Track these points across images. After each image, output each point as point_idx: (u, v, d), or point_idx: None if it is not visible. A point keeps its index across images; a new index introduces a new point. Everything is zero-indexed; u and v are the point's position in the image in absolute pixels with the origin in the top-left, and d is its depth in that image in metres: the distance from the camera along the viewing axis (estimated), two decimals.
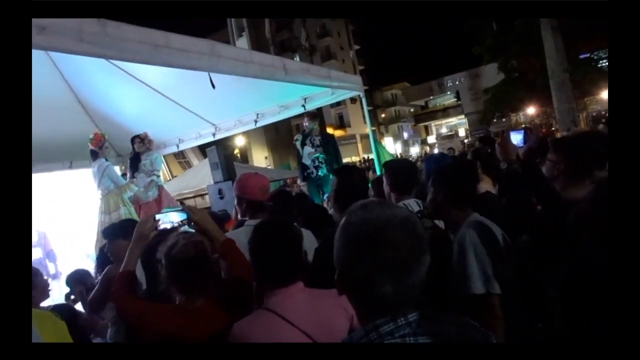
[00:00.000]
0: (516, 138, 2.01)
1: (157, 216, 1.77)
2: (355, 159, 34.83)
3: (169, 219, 1.76)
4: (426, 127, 56.50)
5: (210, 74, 3.71)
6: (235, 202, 2.51)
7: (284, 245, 1.53)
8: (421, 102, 57.37)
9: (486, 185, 3.00)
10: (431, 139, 51.99)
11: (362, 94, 5.57)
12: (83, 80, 5.31)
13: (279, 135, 21.54)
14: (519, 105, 24.88)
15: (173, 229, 1.76)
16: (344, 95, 5.71)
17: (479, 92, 39.06)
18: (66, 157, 6.41)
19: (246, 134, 22.80)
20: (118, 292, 1.69)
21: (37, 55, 4.63)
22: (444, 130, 55.13)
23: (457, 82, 52.06)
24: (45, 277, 2.88)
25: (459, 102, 51.45)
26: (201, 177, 10.96)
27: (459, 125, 52.61)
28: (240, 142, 23.82)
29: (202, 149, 15.24)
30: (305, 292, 1.53)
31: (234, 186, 2.52)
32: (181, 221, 1.74)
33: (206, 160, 11.76)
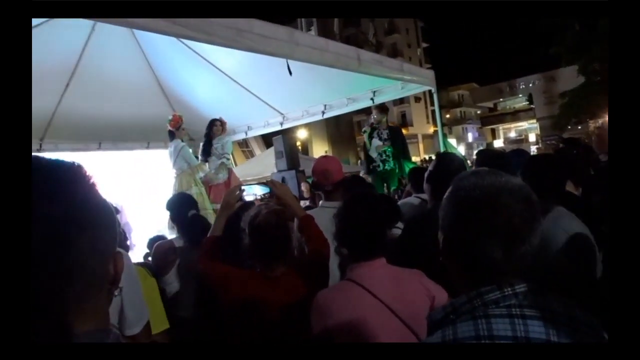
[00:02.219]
0: None
1: (243, 186, 1.85)
2: (416, 159, 34.17)
3: (252, 191, 1.84)
4: (493, 131, 54.04)
5: (287, 61, 3.81)
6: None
7: (374, 217, 1.54)
8: (489, 104, 54.93)
9: (568, 188, 2.87)
10: (498, 143, 49.63)
11: (433, 89, 5.44)
12: (164, 64, 5.65)
13: (339, 131, 21.65)
14: (598, 112, 23.08)
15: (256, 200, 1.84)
16: (414, 89, 5.61)
17: (554, 96, 36.73)
18: (144, 137, 6.86)
19: (308, 127, 23.11)
20: (204, 256, 1.79)
21: (124, 38, 5.00)
22: (512, 135, 52.47)
23: (530, 85, 49.17)
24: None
25: (531, 106, 48.60)
26: (264, 166, 11.27)
27: (529, 130, 49.79)
28: (302, 134, 24.16)
29: (265, 140, 15.69)
30: (388, 267, 1.54)
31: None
32: (264, 194, 1.81)
33: (269, 150, 12.10)
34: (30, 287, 0.52)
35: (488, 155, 2.36)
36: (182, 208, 2.69)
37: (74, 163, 0.61)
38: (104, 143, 6.52)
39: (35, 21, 3.81)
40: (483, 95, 53.80)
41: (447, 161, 2.06)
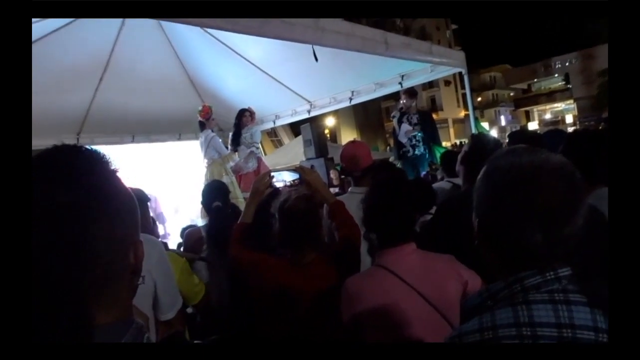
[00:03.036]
0: None
1: (273, 173, 1.86)
2: (446, 144, 33.54)
3: (282, 177, 1.84)
4: (527, 113, 52.19)
5: (313, 47, 3.77)
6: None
7: (401, 201, 1.51)
8: (523, 86, 52.99)
9: None
10: (532, 126, 47.87)
11: (464, 71, 5.28)
12: (192, 57, 5.71)
13: (367, 117, 21.48)
14: None
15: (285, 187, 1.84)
16: (444, 72, 5.46)
17: (593, 75, 35.08)
18: (176, 129, 6.99)
19: (336, 114, 23.01)
20: (234, 242, 1.81)
21: (153, 32, 5.08)
22: (548, 117, 50.52)
23: (566, 64, 47.16)
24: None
25: (568, 86, 46.67)
26: (293, 154, 11.31)
27: (566, 111, 47.84)
28: (330, 122, 24.10)
29: (294, 128, 15.74)
30: (418, 252, 1.51)
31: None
32: (293, 180, 1.81)
33: (297, 139, 12.14)
34: (47, 278, 0.51)
35: (521, 137, 2.26)
36: (209, 198, 2.73)
37: (93, 150, 0.60)
38: (137, 136, 6.68)
39: (67, 19, 3.92)
40: (516, 76, 51.96)
41: (482, 142, 1.99)
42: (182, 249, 3.58)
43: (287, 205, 1.68)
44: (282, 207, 1.69)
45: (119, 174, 0.61)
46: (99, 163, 0.59)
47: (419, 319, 1.38)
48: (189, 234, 2.70)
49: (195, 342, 0.64)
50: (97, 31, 4.51)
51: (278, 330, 1.64)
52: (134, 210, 0.63)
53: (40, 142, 4.46)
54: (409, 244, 1.50)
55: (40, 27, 3.78)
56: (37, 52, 4.22)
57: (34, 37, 4.07)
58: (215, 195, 2.70)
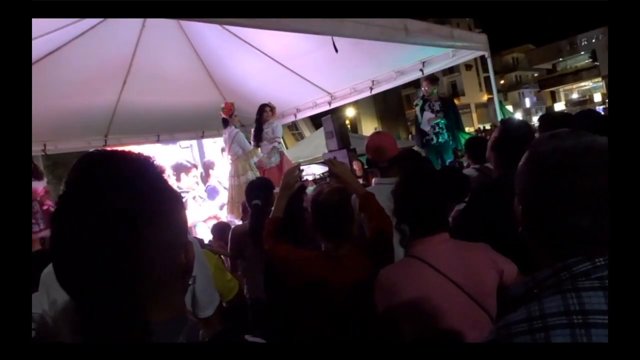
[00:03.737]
0: None
1: (302, 166, 1.86)
2: (470, 129, 32.95)
3: (311, 170, 1.84)
4: (553, 94, 50.61)
5: (332, 38, 3.74)
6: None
7: (433, 191, 1.49)
8: (547, 66, 51.35)
9: None
10: (559, 106, 46.41)
11: (487, 54, 5.15)
12: (212, 54, 5.75)
13: (388, 107, 21.27)
14: None
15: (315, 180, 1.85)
16: (466, 56, 5.34)
17: None
18: (199, 127, 7.08)
19: (356, 105, 22.88)
20: (267, 236, 1.83)
21: (173, 32, 5.13)
22: (575, 96, 48.89)
23: (593, 40, 45.38)
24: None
25: (595, 63, 44.93)
26: (314, 147, 11.28)
27: (594, 89, 46.17)
28: (350, 113, 23.99)
29: (314, 121, 15.73)
30: (452, 242, 1.49)
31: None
32: (322, 173, 1.81)
33: (318, 131, 12.11)
34: (103, 282, 0.51)
35: (552, 119, 2.19)
36: (249, 196, 2.75)
37: (140, 154, 0.61)
38: (162, 135, 6.80)
39: (90, 22, 4.01)
40: (540, 56, 50.34)
41: (512, 127, 1.94)
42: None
43: (321, 199, 1.69)
44: (315, 200, 1.70)
45: (165, 175, 0.62)
46: (147, 166, 0.60)
47: (455, 310, 1.36)
48: (235, 230, 2.76)
49: (246, 337, 0.64)
50: (120, 34, 4.60)
51: (317, 323, 1.65)
52: (182, 211, 0.64)
53: (69, 145, 4.57)
54: (441, 234, 1.48)
55: (62, 33, 3.88)
56: (63, 58, 4.34)
57: (58, 44, 4.19)
58: (255, 194, 2.70)
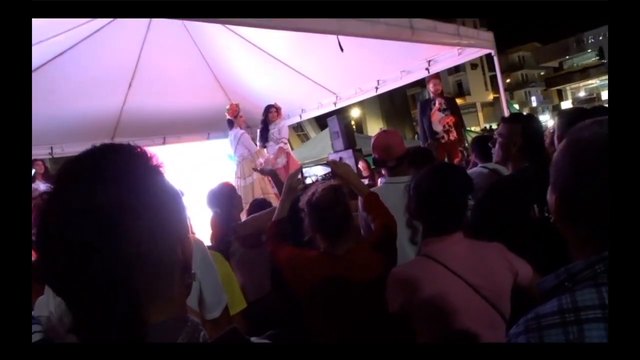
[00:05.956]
0: None
1: (304, 169, 1.84)
2: (476, 128, 32.70)
3: (313, 172, 1.82)
4: (559, 92, 50.20)
5: (338, 38, 3.72)
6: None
7: (454, 189, 1.46)
8: (554, 64, 50.94)
9: None
10: (566, 105, 46.02)
11: (494, 52, 5.11)
12: (217, 55, 5.76)
13: (393, 106, 21.21)
14: None
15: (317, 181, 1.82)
16: (472, 55, 5.30)
17: None
18: (205, 128, 7.09)
19: (361, 105, 22.86)
20: (270, 239, 1.82)
21: (178, 33, 5.14)
22: (582, 94, 48.46)
23: (600, 38, 45.02)
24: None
25: (602, 61, 44.56)
26: (320, 147, 11.28)
27: (601, 87, 45.71)
28: (355, 113, 23.95)
29: (319, 121, 15.72)
30: (466, 241, 1.46)
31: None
32: (325, 174, 1.79)
33: (324, 132, 12.11)
34: (93, 280, 0.50)
35: (574, 114, 2.13)
36: (210, 204, 2.85)
37: (132, 147, 0.59)
38: (168, 137, 6.82)
39: (95, 26, 4.02)
40: (546, 54, 49.97)
41: (531, 123, 1.90)
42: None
43: (315, 198, 1.66)
44: (310, 200, 1.68)
45: (162, 170, 0.60)
46: (138, 159, 0.58)
47: (469, 310, 1.34)
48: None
49: (253, 338, 0.62)
50: (125, 37, 4.61)
51: (329, 322, 1.63)
52: (179, 205, 0.62)
53: (77, 148, 4.60)
54: (456, 233, 1.45)
55: (68, 37, 3.90)
56: (69, 61, 4.36)
57: (64, 47, 4.21)
58: (214, 202, 2.82)
